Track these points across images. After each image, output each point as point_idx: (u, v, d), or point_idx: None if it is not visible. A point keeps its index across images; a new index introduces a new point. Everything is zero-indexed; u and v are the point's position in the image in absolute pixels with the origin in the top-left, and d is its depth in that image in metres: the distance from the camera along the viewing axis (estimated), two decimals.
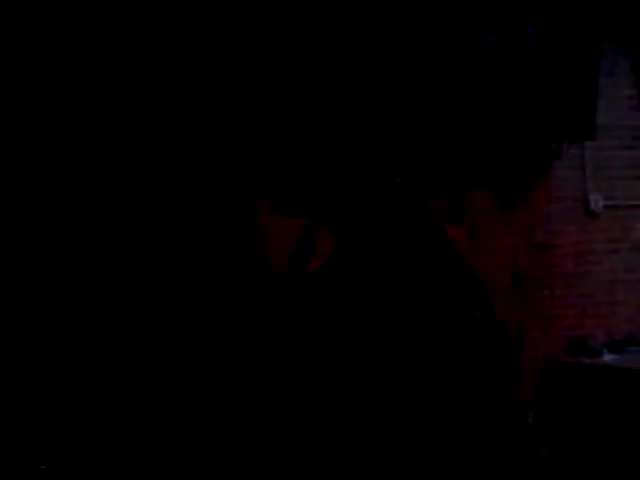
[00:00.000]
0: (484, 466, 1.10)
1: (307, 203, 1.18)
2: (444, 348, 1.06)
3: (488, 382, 1.12)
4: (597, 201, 5.73)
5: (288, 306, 1.15)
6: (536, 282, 5.29)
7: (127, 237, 3.70)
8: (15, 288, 3.57)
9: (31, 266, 3.63)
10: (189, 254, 3.60)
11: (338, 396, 1.06)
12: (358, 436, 1.05)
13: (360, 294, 1.07)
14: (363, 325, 1.05)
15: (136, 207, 3.72)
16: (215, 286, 3.40)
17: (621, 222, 5.84)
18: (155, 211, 3.72)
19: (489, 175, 4.46)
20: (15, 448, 3.23)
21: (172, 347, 3.10)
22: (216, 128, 3.39)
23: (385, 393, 1.04)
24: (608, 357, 4.99)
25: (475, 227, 5.13)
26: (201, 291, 3.41)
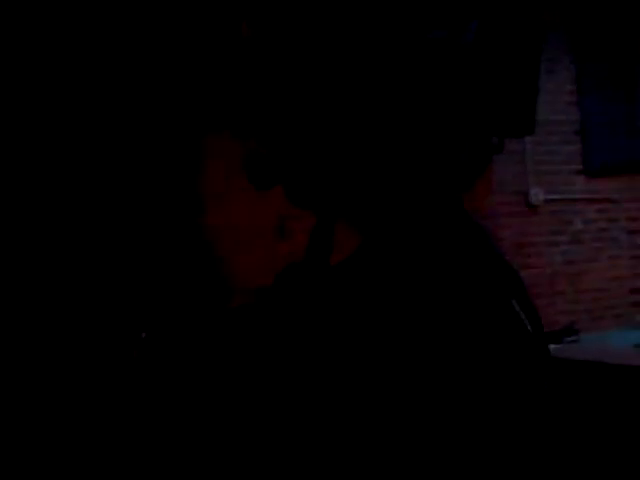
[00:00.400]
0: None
1: (328, 194, 1.09)
2: (476, 341, 1.01)
3: (524, 371, 1.09)
4: (537, 195, 5.84)
5: (309, 301, 1.08)
6: None
7: (125, 239, 3.66)
8: (18, 290, 3.51)
9: (34, 268, 3.57)
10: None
11: (358, 393, 1.01)
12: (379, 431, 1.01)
13: (389, 290, 1.01)
14: (390, 322, 0.99)
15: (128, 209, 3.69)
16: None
17: (560, 215, 5.97)
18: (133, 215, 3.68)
19: (432, 167, 4.49)
20: (16, 448, 3.19)
21: (180, 348, 3.08)
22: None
23: (411, 389, 1.00)
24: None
25: None
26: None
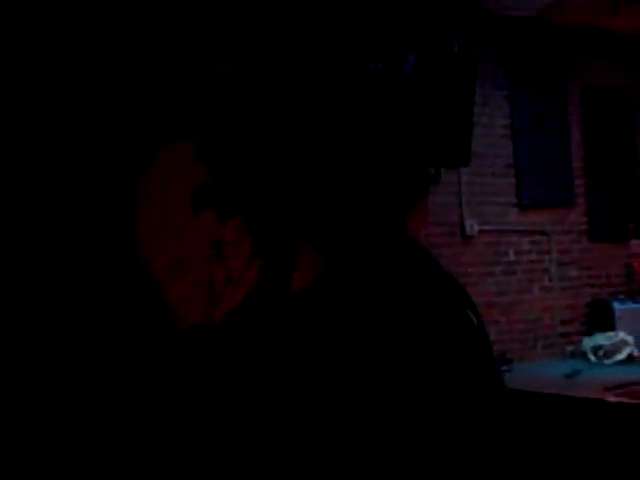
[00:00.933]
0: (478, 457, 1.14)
1: (293, 222, 1.17)
2: (441, 349, 1.09)
3: (485, 371, 1.17)
4: (472, 226, 5.94)
5: (277, 323, 1.14)
6: None
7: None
8: (17, 292, 3.40)
9: (33, 271, 3.46)
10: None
11: (326, 404, 1.06)
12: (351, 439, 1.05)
13: (353, 310, 1.08)
14: (357, 339, 1.05)
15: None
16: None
17: (494, 246, 6.07)
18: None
19: (370, 197, 4.55)
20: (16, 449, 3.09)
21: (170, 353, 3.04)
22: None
23: (378, 401, 1.05)
24: None
25: None
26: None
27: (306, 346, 1.08)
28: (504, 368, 5.29)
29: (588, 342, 5.70)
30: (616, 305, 6.18)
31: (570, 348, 6.02)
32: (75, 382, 3.38)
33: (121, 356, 3.04)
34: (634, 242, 6.36)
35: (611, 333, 5.75)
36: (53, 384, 3.37)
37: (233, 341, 1.17)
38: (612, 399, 4.14)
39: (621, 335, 5.63)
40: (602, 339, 5.64)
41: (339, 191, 1.23)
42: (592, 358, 5.57)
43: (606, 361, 5.46)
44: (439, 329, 1.10)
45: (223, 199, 1.16)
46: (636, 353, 5.47)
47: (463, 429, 1.09)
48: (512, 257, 6.14)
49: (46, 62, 3.63)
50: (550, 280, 6.29)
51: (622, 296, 6.41)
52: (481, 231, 6.00)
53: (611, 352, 5.48)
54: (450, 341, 1.11)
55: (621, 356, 5.45)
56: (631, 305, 6.21)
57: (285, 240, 1.21)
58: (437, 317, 1.11)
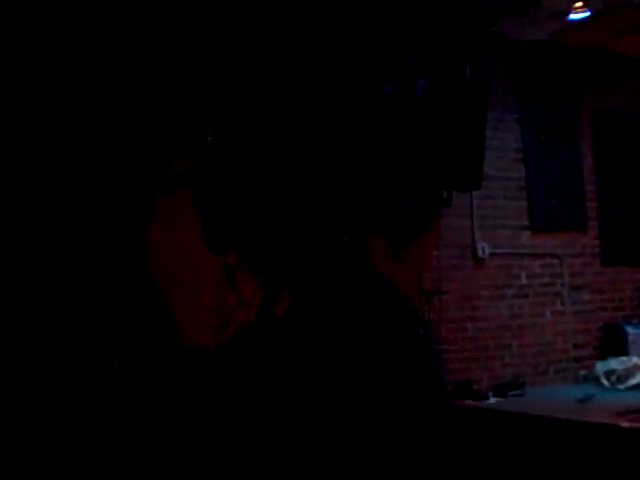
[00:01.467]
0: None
1: (267, 263, 1.44)
2: (394, 360, 1.30)
3: (432, 378, 1.39)
4: (484, 248, 5.93)
5: (261, 346, 1.36)
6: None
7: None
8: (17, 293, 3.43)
9: (32, 272, 3.49)
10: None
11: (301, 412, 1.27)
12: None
13: (318, 334, 1.31)
14: (324, 356, 1.29)
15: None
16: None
17: (506, 269, 6.05)
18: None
19: (381, 221, 4.57)
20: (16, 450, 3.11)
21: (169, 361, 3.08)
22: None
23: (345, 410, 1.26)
24: (493, 400, 5.11)
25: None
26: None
27: (282, 367, 1.31)
28: (516, 392, 5.26)
29: (601, 367, 5.66)
30: (629, 329, 6.14)
31: (583, 373, 5.98)
32: (80, 386, 3.39)
33: (116, 363, 3.05)
34: None
35: (624, 358, 5.71)
36: (60, 387, 3.38)
37: (227, 363, 1.38)
38: (625, 424, 4.11)
39: (634, 360, 5.59)
40: (615, 364, 5.59)
41: (305, 237, 1.50)
42: (605, 383, 5.52)
43: (619, 386, 5.42)
44: (391, 347, 1.33)
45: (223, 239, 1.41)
46: None
47: (400, 434, 1.30)
48: (524, 280, 6.11)
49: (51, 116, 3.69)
50: (562, 304, 6.25)
51: (635, 320, 6.37)
52: (493, 254, 5.98)
53: (624, 377, 5.44)
54: (400, 356, 1.33)
55: (634, 381, 5.40)
56: None
57: (271, 277, 1.47)
58: (389, 336, 1.34)
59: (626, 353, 5.89)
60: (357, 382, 1.27)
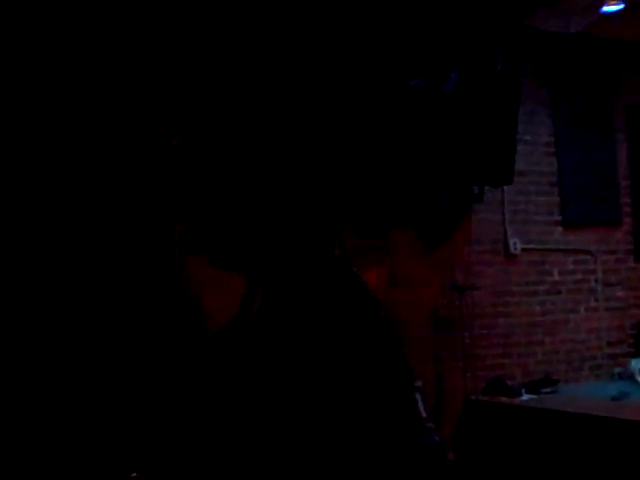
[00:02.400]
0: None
1: (239, 258, 1.46)
2: (358, 360, 1.37)
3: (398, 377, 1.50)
4: (515, 244, 5.88)
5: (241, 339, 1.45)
6: (456, 323, 5.37)
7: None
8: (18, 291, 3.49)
9: (34, 270, 3.55)
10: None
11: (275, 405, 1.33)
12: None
13: (285, 330, 1.37)
14: (290, 353, 1.35)
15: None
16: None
17: (538, 265, 6.00)
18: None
19: (413, 215, 4.56)
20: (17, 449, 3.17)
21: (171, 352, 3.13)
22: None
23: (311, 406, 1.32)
24: (526, 397, 5.07)
25: (398, 267, 5.19)
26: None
27: (256, 363, 1.39)
28: (549, 389, 5.21)
29: (636, 364, 5.59)
30: None
31: (617, 370, 5.90)
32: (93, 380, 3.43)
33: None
34: None
35: None
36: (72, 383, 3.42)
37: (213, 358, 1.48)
38: None
39: None
40: None
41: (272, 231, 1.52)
42: None
43: None
44: (357, 344, 1.38)
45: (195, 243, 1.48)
46: None
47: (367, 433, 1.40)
48: (556, 276, 6.05)
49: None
50: (596, 300, 6.18)
51: None
52: (524, 249, 5.93)
53: None
54: (366, 353, 1.40)
55: None
56: None
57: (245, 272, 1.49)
58: (356, 330, 1.39)
59: None
60: (324, 379, 1.34)
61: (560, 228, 6.10)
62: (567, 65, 6.15)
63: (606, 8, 5.00)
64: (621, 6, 4.97)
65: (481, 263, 5.69)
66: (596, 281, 6.19)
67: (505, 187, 5.52)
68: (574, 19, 5.18)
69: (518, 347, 5.79)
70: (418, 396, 1.55)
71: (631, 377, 5.53)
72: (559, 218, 6.10)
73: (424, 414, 1.53)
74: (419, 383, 1.59)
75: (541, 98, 6.04)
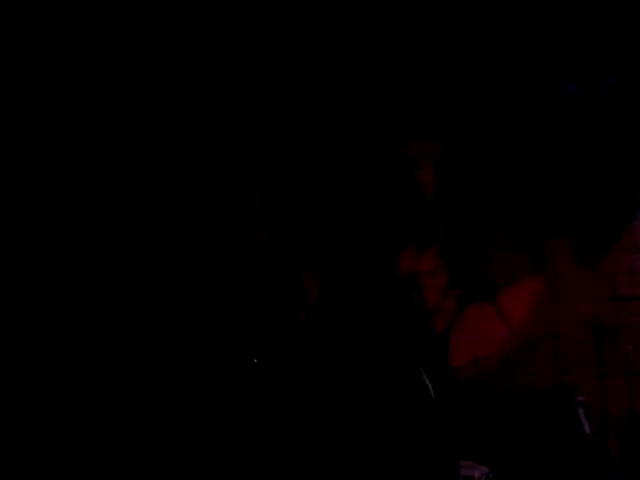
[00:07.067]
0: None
1: (317, 257, 1.63)
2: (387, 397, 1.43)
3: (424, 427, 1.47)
4: None
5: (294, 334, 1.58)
6: (619, 334, 5.15)
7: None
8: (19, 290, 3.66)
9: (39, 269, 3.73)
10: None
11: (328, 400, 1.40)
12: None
13: (337, 330, 1.46)
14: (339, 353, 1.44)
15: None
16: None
17: None
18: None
19: (571, 224, 4.43)
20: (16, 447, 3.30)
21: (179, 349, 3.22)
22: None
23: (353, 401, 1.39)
24: None
25: (556, 276, 5.04)
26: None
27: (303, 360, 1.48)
28: None
29: None
30: None
31: None
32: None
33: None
34: None
35: None
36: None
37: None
38: None
39: None
40: None
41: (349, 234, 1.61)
42: None
43: None
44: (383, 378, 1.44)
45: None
46: None
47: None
48: None
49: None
50: None
51: None
52: None
53: None
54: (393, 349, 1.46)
55: None
56: None
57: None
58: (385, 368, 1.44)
59: None
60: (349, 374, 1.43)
61: None
62: None
63: None
64: None
65: None
66: None
67: None
68: None
69: None
70: (581, 411, 1.53)
71: None
72: None
73: (588, 430, 1.50)
74: (582, 398, 1.55)
75: None
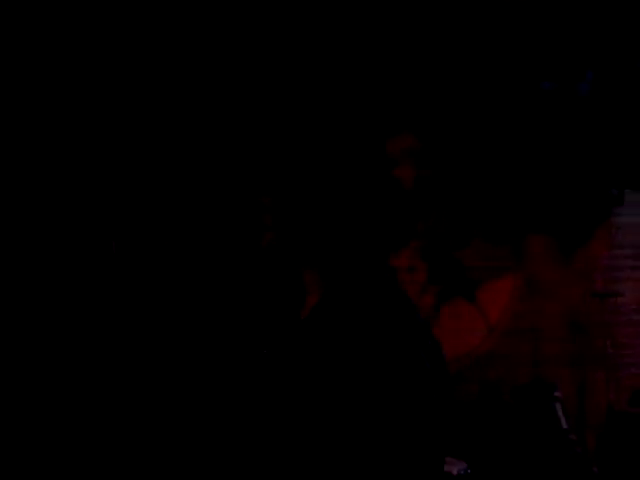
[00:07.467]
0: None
1: (320, 258, 1.60)
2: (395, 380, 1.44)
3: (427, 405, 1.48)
4: None
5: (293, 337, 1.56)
6: (598, 331, 5.18)
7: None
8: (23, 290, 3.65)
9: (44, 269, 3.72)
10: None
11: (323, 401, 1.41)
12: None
13: (337, 332, 1.49)
14: (339, 354, 1.46)
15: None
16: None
17: None
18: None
19: (549, 221, 4.45)
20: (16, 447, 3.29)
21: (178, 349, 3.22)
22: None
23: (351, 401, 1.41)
24: None
25: (534, 273, 5.07)
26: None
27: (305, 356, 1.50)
28: None
29: None
30: None
31: None
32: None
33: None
34: None
35: None
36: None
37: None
38: None
39: None
40: None
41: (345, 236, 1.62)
42: None
43: None
44: (390, 343, 1.47)
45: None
46: None
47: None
48: None
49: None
50: None
51: None
52: None
53: None
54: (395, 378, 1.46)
55: None
56: None
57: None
58: (391, 355, 1.46)
59: None
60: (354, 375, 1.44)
61: None
62: None
63: None
64: None
65: (623, 268, 5.47)
66: None
67: None
68: None
69: None
70: (558, 406, 1.52)
71: None
72: None
73: (565, 425, 1.50)
74: (558, 393, 1.55)
75: None
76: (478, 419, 4.63)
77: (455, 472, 3.38)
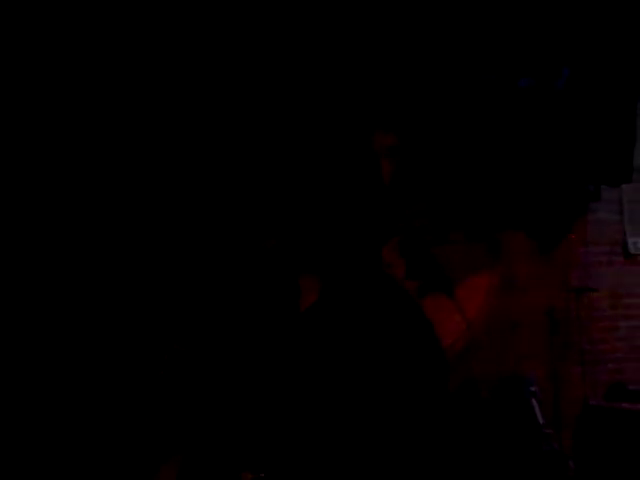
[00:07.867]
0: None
1: (317, 258, 1.63)
2: (403, 361, 1.47)
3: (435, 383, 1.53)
4: (636, 244, 5.67)
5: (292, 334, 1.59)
6: (574, 326, 5.22)
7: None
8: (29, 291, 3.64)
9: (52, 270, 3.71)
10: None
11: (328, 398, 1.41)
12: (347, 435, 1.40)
13: (340, 326, 1.50)
14: (344, 348, 1.46)
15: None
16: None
17: None
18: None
19: (525, 217, 4.47)
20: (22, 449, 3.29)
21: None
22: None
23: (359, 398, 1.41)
24: None
25: (511, 268, 5.09)
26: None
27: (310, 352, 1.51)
28: None
29: None
30: None
31: None
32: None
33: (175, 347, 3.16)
34: None
35: None
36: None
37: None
38: None
39: None
40: None
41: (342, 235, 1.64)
42: None
43: None
44: (397, 351, 1.48)
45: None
46: None
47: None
48: None
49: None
50: None
51: None
52: None
53: None
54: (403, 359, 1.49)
55: None
56: None
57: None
58: (395, 341, 1.49)
59: None
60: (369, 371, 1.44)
61: None
62: None
63: None
64: None
65: (599, 264, 5.51)
66: None
67: (623, 185, 5.33)
68: None
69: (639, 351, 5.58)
70: (534, 402, 1.52)
71: None
72: None
73: (542, 420, 1.50)
74: (535, 388, 1.55)
75: None
76: (455, 414, 4.64)
77: None
